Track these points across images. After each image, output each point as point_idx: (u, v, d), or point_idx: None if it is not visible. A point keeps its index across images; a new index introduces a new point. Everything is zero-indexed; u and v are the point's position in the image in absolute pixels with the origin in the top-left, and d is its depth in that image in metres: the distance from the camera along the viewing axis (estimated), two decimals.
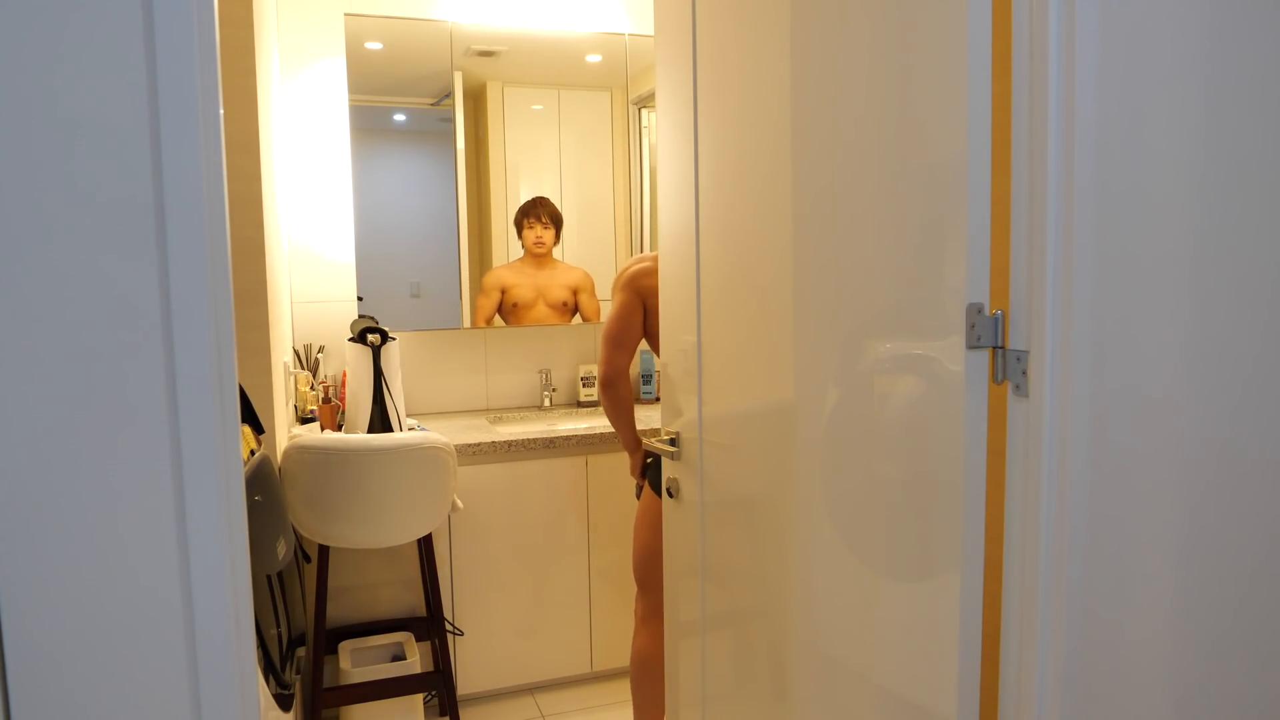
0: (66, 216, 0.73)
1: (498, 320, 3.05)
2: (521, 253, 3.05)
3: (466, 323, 3.00)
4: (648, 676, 2.20)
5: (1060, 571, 0.99)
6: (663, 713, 2.20)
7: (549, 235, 3.05)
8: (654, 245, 3.11)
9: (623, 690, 2.76)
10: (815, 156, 1.32)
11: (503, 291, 3.04)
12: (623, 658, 2.77)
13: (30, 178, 0.72)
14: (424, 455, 2.17)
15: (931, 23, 1.09)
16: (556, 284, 3.07)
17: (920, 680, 1.17)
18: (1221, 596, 1.04)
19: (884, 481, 1.22)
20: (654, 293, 2.12)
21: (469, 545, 2.62)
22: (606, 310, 2.72)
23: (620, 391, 2.22)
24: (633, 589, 2.76)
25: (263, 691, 1.46)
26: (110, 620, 0.76)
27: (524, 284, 3.04)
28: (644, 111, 3.12)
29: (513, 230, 3.03)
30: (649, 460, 2.18)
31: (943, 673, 1.12)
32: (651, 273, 2.15)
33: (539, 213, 3.05)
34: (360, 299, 2.89)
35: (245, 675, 0.83)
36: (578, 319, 3.11)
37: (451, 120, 2.92)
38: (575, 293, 3.09)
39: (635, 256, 2.26)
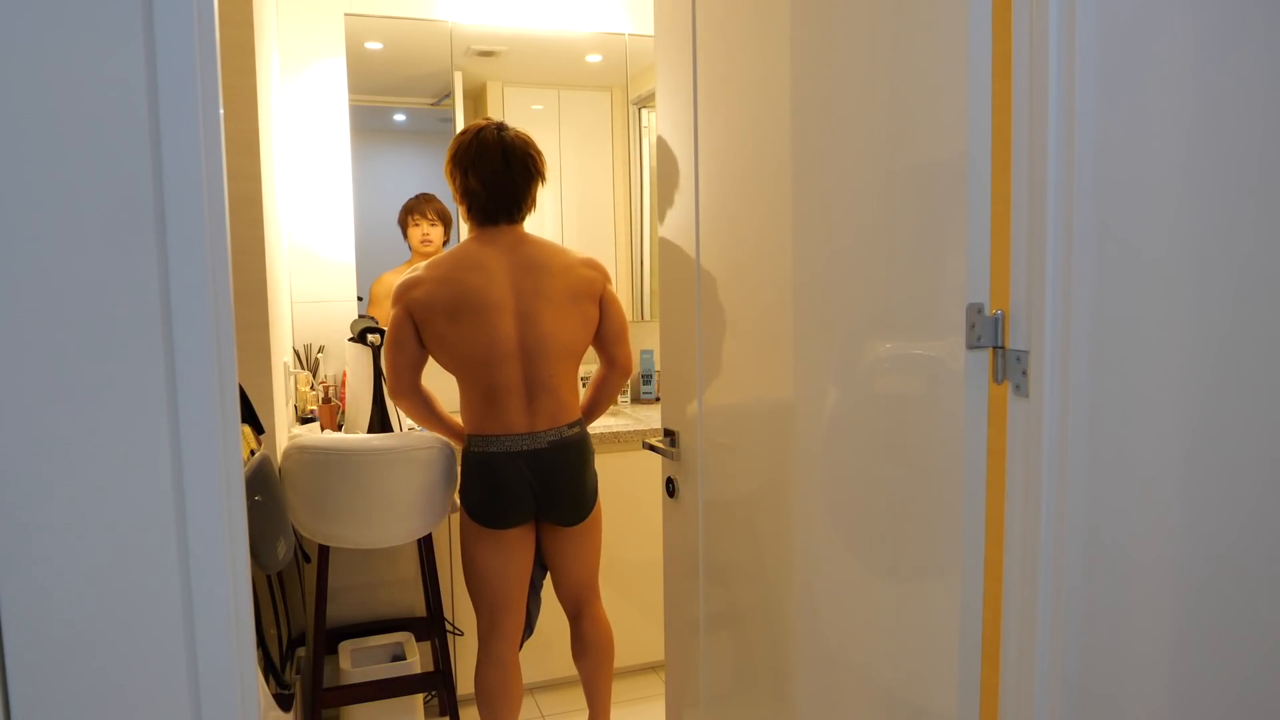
0: (66, 216, 0.73)
1: None
2: (408, 254, 2.92)
3: None
4: (485, 704, 2.15)
5: (1060, 571, 0.99)
6: None
7: (436, 232, 2.90)
8: (654, 245, 3.11)
9: (623, 690, 2.76)
10: (815, 156, 1.32)
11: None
12: (624, 657, 2.77)
13: (30, 178, 0.72)
14: (424, 455, 2.17)
15: (931, 23, 1.09)
16: None
17: (920, 680, 1.17)
18: (1222, 596, 1.04)
19: (884, 481, 1.22)
20: (420, 305, 2.00)
21: None
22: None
23: (413, 402, 2.11)
24: (633, 589, 2.76)
25: (263, 691, 1.46)
26: (110, 620, 0.76)
27: None
28: (644, 111, 3.12)
29: None
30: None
31: (943, 673, 1.12)
32: (418, 283, 2.03)
33: (424, 209, 2.89)
34: (360, 299, 2.89)
35: (245, 675, 0.83)
36: None
37: (451, 120, 2.92)
38: None
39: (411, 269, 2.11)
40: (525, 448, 2.05)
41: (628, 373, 2.22)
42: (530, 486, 2.07)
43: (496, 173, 2.03)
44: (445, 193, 2.93)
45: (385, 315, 2.72)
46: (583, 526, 2.17)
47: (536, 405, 2.06)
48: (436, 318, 2.01)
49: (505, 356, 2.02)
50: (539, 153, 2.11)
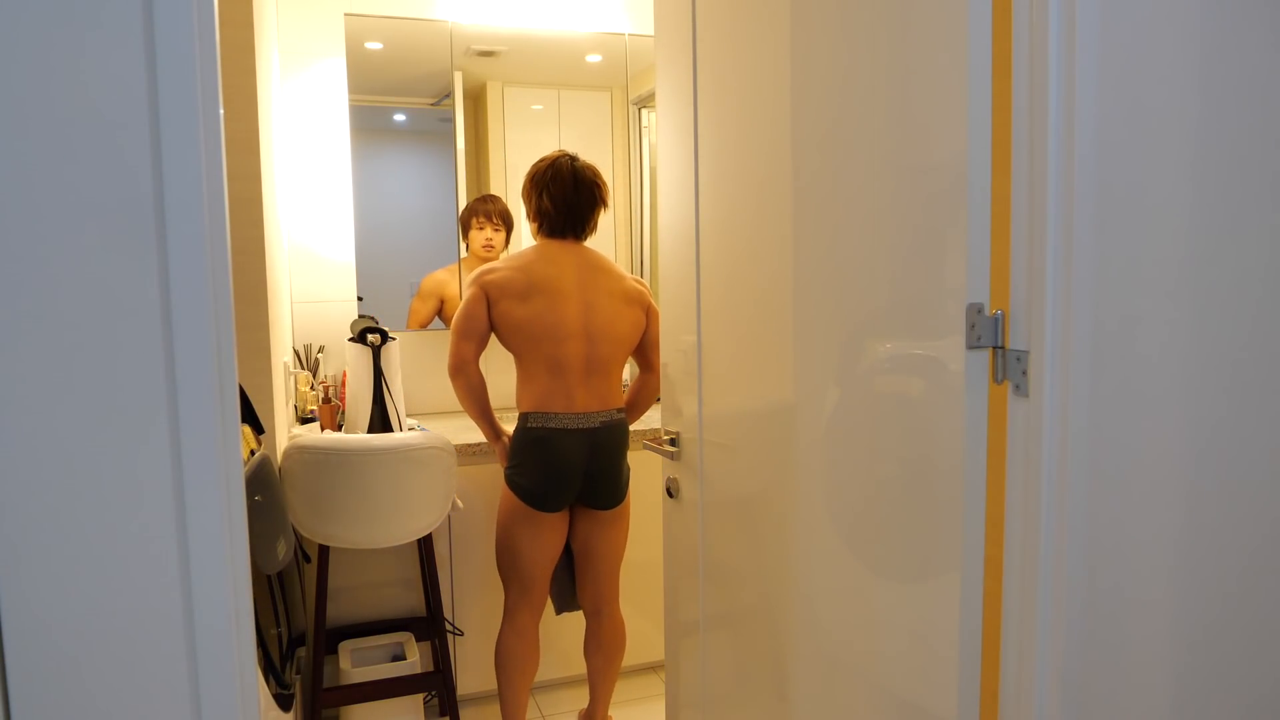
0: (66, 216, 0.73)
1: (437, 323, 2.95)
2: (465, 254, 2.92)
3: None
4: (503, 669, 2.35)
5: (1060, 571, 0.99)
6: (522, 707, 2.37)
7: (499, 237, 2.93)
8: (654, 245, 3.11)
9: (623, 690, 2.76)
10: (815, 156, 1.32)
11: (442, 300, 2.94)
12: (624, 657, 2.77)
13: (30, 178, 0.72)
14: (424, 455, 2.17)
15: (932, 23, 1.09)
16: None
17: (920, 680, 1.17)
18: (1222, 596, 1.04)
19: (884, 481, 1.22)
20: (496, 286, 2.23)
21: (469, 545, 2.62)
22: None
23: (469, 379, 2.26)
24: (633, 589, 2.76)
25: (263, 691, 1.46)
26: (110, 620, 0.76)
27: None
28: (644, 111, 3.12)
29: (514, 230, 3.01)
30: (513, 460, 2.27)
31: (943, 673, 1.12)
32: (496, 269, 2.26)
33: (488, 211, 2.94)
34: (360, 299, 2.89)
35: (245, 675, 0.83)
36: None
37: (451, 120, 2.92)
38: None
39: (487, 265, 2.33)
40: (581, 425, 2.24)
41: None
42: (582, 464, 2.25)
43: (567, 196, 2.29)
44: (443, 194, 2.93)
45: (429, 310, 2.92)
46: (615, 514, 2.35)
47: (593, 385, 2.27)
48: (508, 298, 2.23)
49: (570, 335, 2.23)
50: (604, 182, 2.38)
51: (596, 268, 2.31)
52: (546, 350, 2.23)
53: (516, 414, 2.30)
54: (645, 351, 2.40)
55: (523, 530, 2.26)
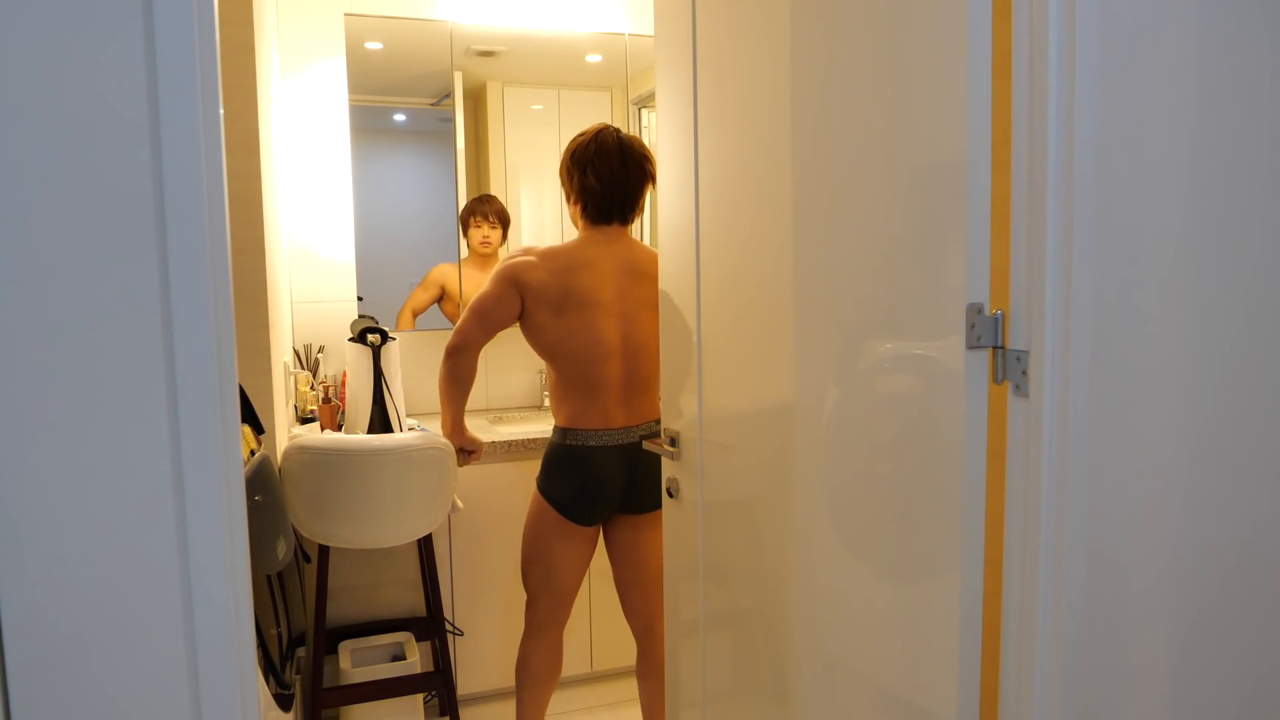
0: (67, 216, 0.73)
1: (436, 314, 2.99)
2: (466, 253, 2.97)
3: None
4: (526, 682, 2.24)
5: (1060, 571, 0.99)
6: (541, 717, 2.27)
7: (495, 235, 2.98)
8: (654, 245, 3.11)
9: (624, 690, 2.76)
10: (815, 156, 1.32)
11: (443, 290, 2.97)
12: (624, 658, 2.77)
13: (30, 178, 0.72)
14: (424, 455, 2.17)
15: (931, 22, 1.09)
16: None
17: (920, 680, 1.17)
18: (1221, 595, 1.04)
19: (884, 481, 1.22)
20: (532, 292, 2.07)
21: (469, 545, 2.62)
22: None
23: (462, 366, 2.14)
24: None
25: (263, 691, 1.46)
26: (110, 620, 0.76)
27: (469, 284, 2.97)
28: (644, 111, 3.12)
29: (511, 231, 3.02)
30: (552, 462, 2.15)
31: (943, 673, 1.12)
32: (534, 269, 2.09)
33: (485, 210, 2.97)
34: (360, 299, 2.89)
35: (245, 675, 0.83)
36: None
37: (451, 120, 2.92)
38: None
39: (522, 248, 2.18)
40: (621, 441, 2.13)
41: None
42: (622, 479, 2.14)
43: (614, 172, 2.10)
44: (443, 194, 2.93)
45: (428, 298, 2.92)
46: (655, 517, 2.18)
47: (633, 402, 2.15)
48: (542, 308, 2.09)
49: (609, 355, 2.11)
50: (653, 157, 2.15)
51: (638, 273, 2.13)
52: (583, 370, 2.10)
53: (551, 421, 2.22)
54: None
55: (555, 543, 2.15)
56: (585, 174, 2.11)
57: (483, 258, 2.97)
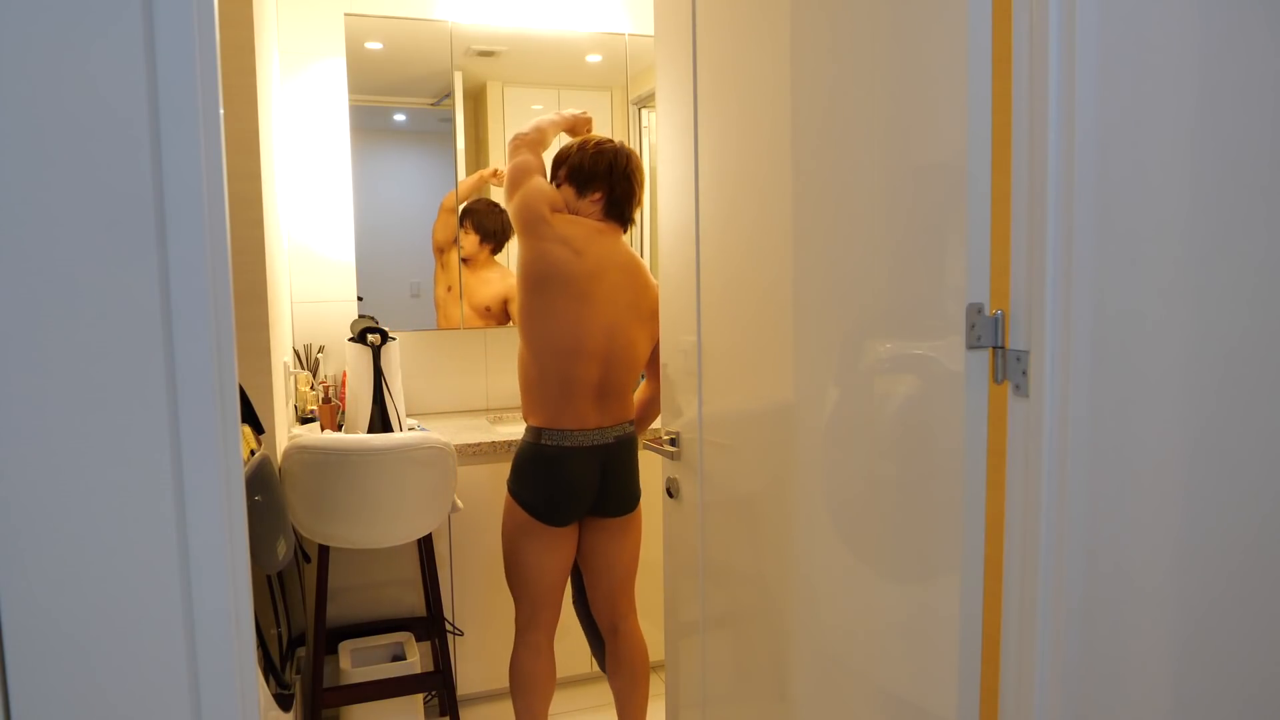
0: (66, 216, 0.73)
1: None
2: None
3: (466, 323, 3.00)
4: (520, 692, 2.24)
5: (1060, 571, 0.99)
6: None
7: (470, 241, 2.96)
8: (654, 245, 3.10)
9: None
10: (815, 156, 1.32)
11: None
12: None
13: (30, 178, 0.72)
14: (424, 455, 2.17)
15: (931, 22, 1.09)
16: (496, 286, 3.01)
17: (920, 680, 1.17)
18: (1221, 594, 1.04)
19: (884, 481, 1.22)
20: (540, 249, 2.11)
21: (469, 545, 2.62)
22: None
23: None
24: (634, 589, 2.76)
25: (263, 691, 1.46)
26: (110, 620, 0.76)
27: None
28: (644, 111, 3.12)
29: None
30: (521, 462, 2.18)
31: (943, 673, 1.12)
32: (549, 226, 2.14)
33: (469, 220, 2.95)
34: (360, 299, 2.89)
35: (245, 675, 0.83)
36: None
37: (451, 120, 2.92)
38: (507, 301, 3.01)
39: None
40: (596, 442, 2.15)
41: None
42: (595, 479, 2.16)
43: (622, 182, 2.19)
44: (443, 194, 2.93)
45: (451, 227, 2.89)
46: (626, 521, 2.24)
47: (607, 404, 2.17)
48: (532, 274, 2.12)
49: (589, 356, 2.13)
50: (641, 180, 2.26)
51: (632, 280, 2.18)
52: (563, 366, 2.11)
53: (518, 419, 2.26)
54: (655, 363, 2.27)
55: (531, 545, 2.16)
56: (610, 171, 2.17)
57: (467, 264, 2.95)
